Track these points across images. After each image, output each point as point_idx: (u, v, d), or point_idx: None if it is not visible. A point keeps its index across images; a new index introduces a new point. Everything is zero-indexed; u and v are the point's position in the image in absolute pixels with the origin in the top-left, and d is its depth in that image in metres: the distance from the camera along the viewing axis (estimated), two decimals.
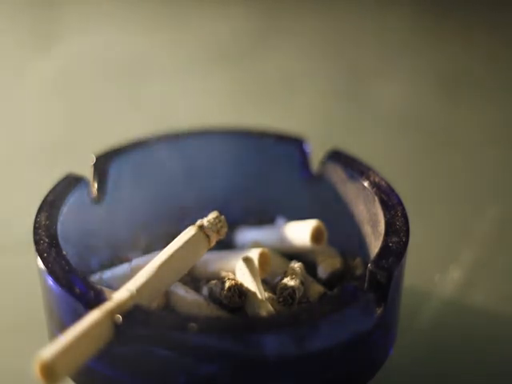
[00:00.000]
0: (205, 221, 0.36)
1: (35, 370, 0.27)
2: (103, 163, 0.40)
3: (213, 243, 0.36)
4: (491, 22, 0.81)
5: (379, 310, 0.32)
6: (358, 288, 0.32)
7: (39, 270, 0.33)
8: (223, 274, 0.37)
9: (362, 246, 0.39)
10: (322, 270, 0.40)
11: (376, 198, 0.37)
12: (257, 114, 0.63)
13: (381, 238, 0.34)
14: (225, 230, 0.36)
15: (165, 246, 0.35)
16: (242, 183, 0.44)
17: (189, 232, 0.35)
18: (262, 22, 0.81)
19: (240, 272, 0.36)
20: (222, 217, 0.36)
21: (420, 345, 0.40)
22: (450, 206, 0.52)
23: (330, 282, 0.39)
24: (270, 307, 0.35)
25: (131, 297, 0.31)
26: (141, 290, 0.32)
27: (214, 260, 0.38)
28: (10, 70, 0.72)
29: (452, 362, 0.39)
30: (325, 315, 0.30)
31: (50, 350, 0.28)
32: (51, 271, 0.32)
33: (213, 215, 0.36)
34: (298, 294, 0.36)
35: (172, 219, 0.43)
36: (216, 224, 0.36)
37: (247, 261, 0.37)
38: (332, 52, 0.76)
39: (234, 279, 0.36)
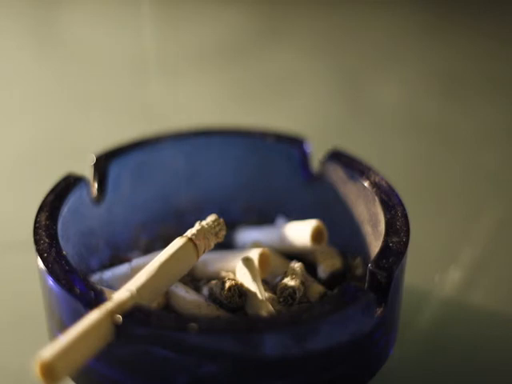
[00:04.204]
0: (204, 223, 0.36)
1: (35, 370, 0.27)
2: (103, 163, 0.40)
3: (211, 246, 0.36)
4: (490, 22, 0.81)
5: (379, 310, 0.32)
6: (358, 288, 0.32)
7: (39, 269, 0.33)
8: (223, 274, 0.38)
9: (362, 246, 0.39)
10: (323, 270, 0.40)
11: (376, 198, 0.37)
12: (257, 114, 0.63)
13: (381, 238, 0.34)
14: (223, 233, 0.36)
15: (165, 246, 0.35)
16: (242, 183, 0.44)
17: (188, 233, 0.35)
18: (262, 23, 0.81)
19: (240, 272, 0.36)
20: (221, 220, 0.36)
21: (420, 345, 0.40)
22: (450, 206, 0.52)
23: (330, 282, 0.39)
24: (270, 307, 0.35)
25: (131, 297, 0.31)
26: (141, 290, 0.32)
27: (214, 260, 0.38)
28: (11, 68, 0.72)
29: (452, 362, 0.39)
30: (325, 315, 0.30)
31: (50, 349, 0.28)
32: (51, 271, 0.32)
33: (212, 218, 0.36)
34: (298, 294, 0.36)
35: (172, 219, 0.43)
36: (215, 227, 0.36)
37: (247, 261, 0.37)
38: (332, 52, 0.76)
39: (234, 279, 0.35)
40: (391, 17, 0.83)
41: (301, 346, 0.31)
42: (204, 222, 0.36)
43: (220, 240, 0.36)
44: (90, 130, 0.61)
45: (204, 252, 0.36)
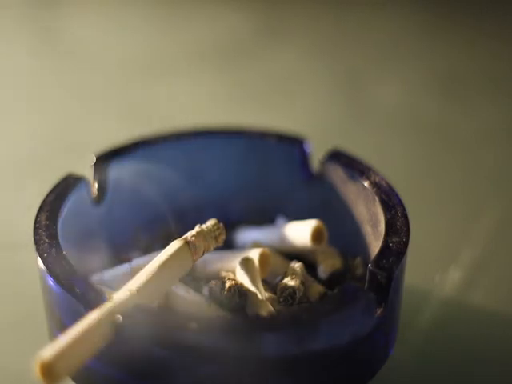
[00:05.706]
0: (203, 227, 0.36)
1: (35, 370, 0.27)
2: (103, 163, 0.40)
3: (210, 249, 0.36)
4: (491, 21, 0.81)
5: (379, 310, 0.32)
6: (358, 288, 0.32)
7: (39, 269, 0.33)
8: (223, 274, 0.37)
9: (362, 246, 0.39)
10: (323, 270, 0.40)
11: (376, 198, 0.37)
12: (257, 114, 0.63)
13: (381, 238, 0.34)
14: (223, 237, 0.36)
15: (164, 246, 0.35)
16: (243, 183, 0.44)
17: (188, 235, 0.35)
18: (262, 22, 0.81)
19: (240, 272, 0.36)
20: (221, 224, 0.36)
21: (420, 345, 0.40)
22: (450, 205, 0.52)
23: (330, 282, 0.39)
24: (270, 307, 0.35)
25: (131, 297, 0.31)
26: (141, 289, 0.32)
27: (215, 260, 0.38)
28: (11, 68, 0.72)
29: (452, 362, 0.39)
30: (325, 315, 0.30)
31: (51, 349, 0.28)
32: (51, 271, 0.32)
33: (211, 222, 0.36)
34: (298, 294, 0.36)
35: (172, 219, 0.43)
36: (214, 231, 0.36)
37: (247, 261, 0.37)
38: (332, 52, 0.76)
39: (234, 279, 0.35)
40: (391, 17, 0.83)
41: (301, 346, 0.30)
42: (204, 226, 0.36)
43: (219, 244, 0.36)
44: (90, 130, 0.61)
45: (203, 254, 0.36)
